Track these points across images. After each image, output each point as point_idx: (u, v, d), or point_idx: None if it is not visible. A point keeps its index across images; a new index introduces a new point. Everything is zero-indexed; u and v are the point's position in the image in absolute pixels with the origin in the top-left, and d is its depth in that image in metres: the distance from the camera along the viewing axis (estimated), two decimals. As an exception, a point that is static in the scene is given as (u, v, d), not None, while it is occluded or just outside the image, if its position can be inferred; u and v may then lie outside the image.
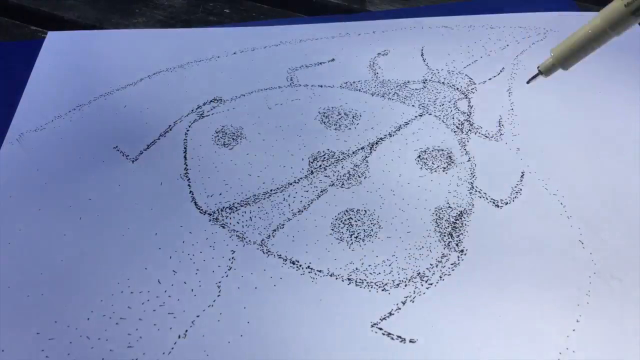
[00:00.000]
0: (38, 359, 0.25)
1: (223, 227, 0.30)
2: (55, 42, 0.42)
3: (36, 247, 0.29)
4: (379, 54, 0.41)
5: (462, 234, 0.30)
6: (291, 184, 0.32)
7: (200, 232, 0.30)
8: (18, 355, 0.25)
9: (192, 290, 0.28)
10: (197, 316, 0.27)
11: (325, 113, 0.36)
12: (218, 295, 0.27)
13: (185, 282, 0.28)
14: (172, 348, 0.25)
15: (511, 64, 0.39)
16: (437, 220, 0.30)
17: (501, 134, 0.35)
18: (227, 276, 0.28)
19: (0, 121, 0.36)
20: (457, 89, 0.38)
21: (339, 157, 0.34)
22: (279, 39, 0.42)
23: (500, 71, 0.39)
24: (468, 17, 0.43)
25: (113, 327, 0.26)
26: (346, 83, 0.39)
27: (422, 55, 0.40)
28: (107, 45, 0.41)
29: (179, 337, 0.26)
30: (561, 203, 0.31)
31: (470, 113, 0.36)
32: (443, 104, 0.37)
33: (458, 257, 0.29)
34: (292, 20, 0.45)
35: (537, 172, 0.32)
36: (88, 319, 0.26)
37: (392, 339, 0.26)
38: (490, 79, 0.38)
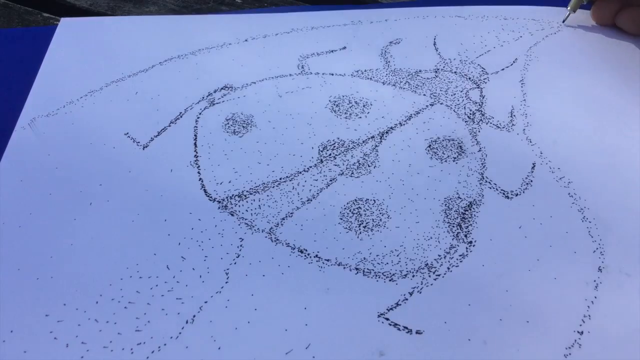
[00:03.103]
0: (46, 341, 0.25)
1: (232, 215, 0.30)
2: (68, 29, 0.42)
3: (46, 231, 0.29)
4: (391, 42, 0.41)
5: (471, 224, 0.29)
6: (300, 173, 0.32)
7: (209, 220, 0.30)
8: (27, 337, 0.25)
9: (200, 276, 0.28)
10: (205, 302, 0.27)
11: (335, 101, 0.36)
12: (226, 282, 0.27)
13: (193, 269, 0.28)
14: (180, 333, 0.26)
15: (524, 55, 0.39)
16: (447, 211, 0.30)
17: (513, 124, 0.34)
18: (235, 263, 0.28)
19: (13, 106, 0.36)
20: (470, 78, 0.37)
21: (349, 146, 0.33)
22: (290, 26, 0.42)
23: (513, 62, 0.38)
24: (481, 8, 0.43)
25: (121, 310, 0.26)
26: (357, 71, 0.38)
27: (434, 44, 0.40)
28: (119, 32, 0.41)
29: (187, 322, 0.26)
30: (571, 196, 0.31)
31: (482, 103, 0.36)
32: (455, 94, 0.36)
33: (467, 248, 0.28)
34: (303, 8, 0.44)
35: (548, 163, 0.32)
36: (97, 302, 0.27)
37: (399, 329, 0.26)
38: (503, 70, 0.38)
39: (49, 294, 0.27)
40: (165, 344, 0.25)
